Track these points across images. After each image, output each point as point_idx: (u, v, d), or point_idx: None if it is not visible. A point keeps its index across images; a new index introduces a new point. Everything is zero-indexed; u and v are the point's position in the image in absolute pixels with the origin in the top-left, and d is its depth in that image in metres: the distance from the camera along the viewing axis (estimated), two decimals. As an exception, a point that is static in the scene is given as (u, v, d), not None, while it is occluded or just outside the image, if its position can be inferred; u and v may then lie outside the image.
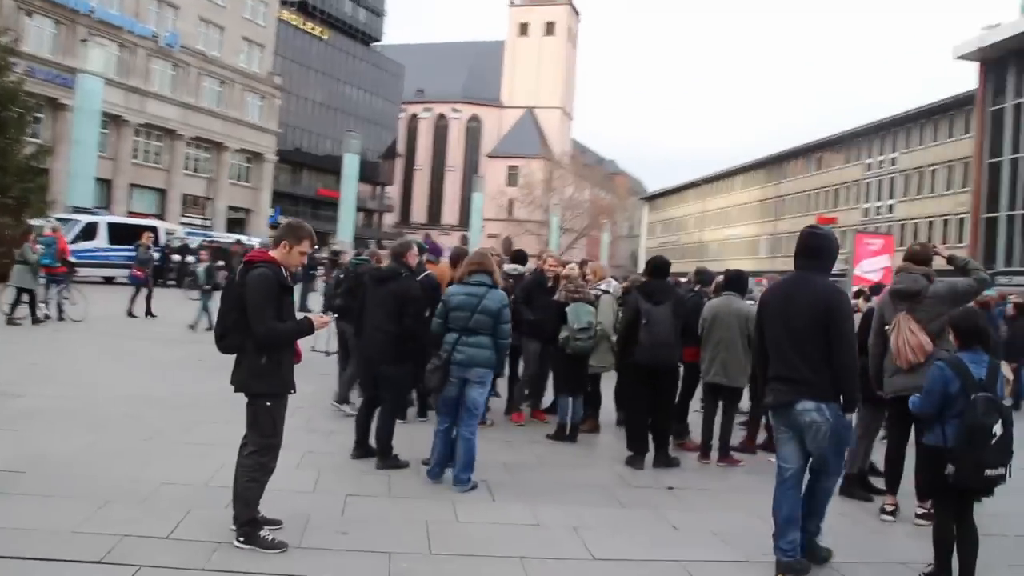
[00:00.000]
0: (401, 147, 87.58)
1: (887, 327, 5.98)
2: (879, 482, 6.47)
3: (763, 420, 8.10)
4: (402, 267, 6.66)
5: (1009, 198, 39.78)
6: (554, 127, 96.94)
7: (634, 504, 5.99)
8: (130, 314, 16.20)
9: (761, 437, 8.23)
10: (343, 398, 8.61)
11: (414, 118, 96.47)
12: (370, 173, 69.45)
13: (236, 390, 4.48)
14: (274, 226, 54.22)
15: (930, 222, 46.92)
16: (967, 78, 42.72)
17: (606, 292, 8.93)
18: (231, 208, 52.35)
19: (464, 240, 15.61)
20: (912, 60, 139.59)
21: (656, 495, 6.30)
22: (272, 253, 4.57)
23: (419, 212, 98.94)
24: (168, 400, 8.41)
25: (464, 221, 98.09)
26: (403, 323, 6.36)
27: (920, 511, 5.81)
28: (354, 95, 75.72)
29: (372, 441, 6.49)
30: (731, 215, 74.32)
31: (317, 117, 70.79)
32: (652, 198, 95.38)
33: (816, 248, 4.79)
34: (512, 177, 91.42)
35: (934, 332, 5.73)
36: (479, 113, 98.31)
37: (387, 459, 6.31)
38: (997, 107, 40.73)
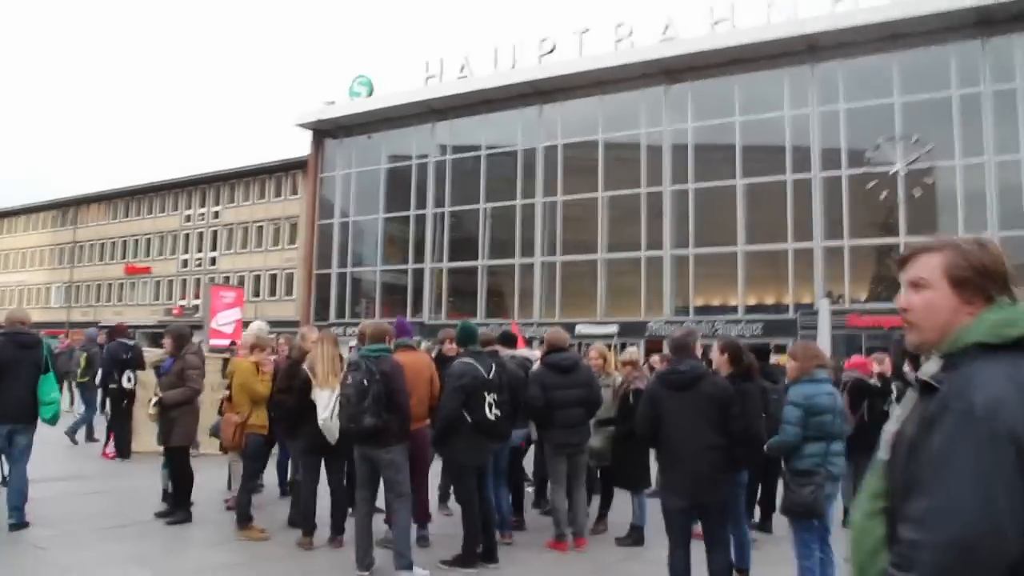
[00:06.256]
0: None
1: None
2: None
3: None
4: (699, 362, 5.52)
5: (340, 257, 44.26)
6: None
7: None
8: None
9: None
10: (406, 564, 6.00)
11: None
12: None
13: None
14: None
15: (257, 275, 48.71)
16: (303, 145, 46.39)
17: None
18: None
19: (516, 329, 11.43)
20: (256, 122, 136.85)
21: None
22: None
23: None
24: None
25: None
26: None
27: None
28: None
29: None
30: (11, 259, 64.15)
31: None
32: None
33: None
34: None
35: None
36: None
37: None
38: (328, 174, 45.16)
